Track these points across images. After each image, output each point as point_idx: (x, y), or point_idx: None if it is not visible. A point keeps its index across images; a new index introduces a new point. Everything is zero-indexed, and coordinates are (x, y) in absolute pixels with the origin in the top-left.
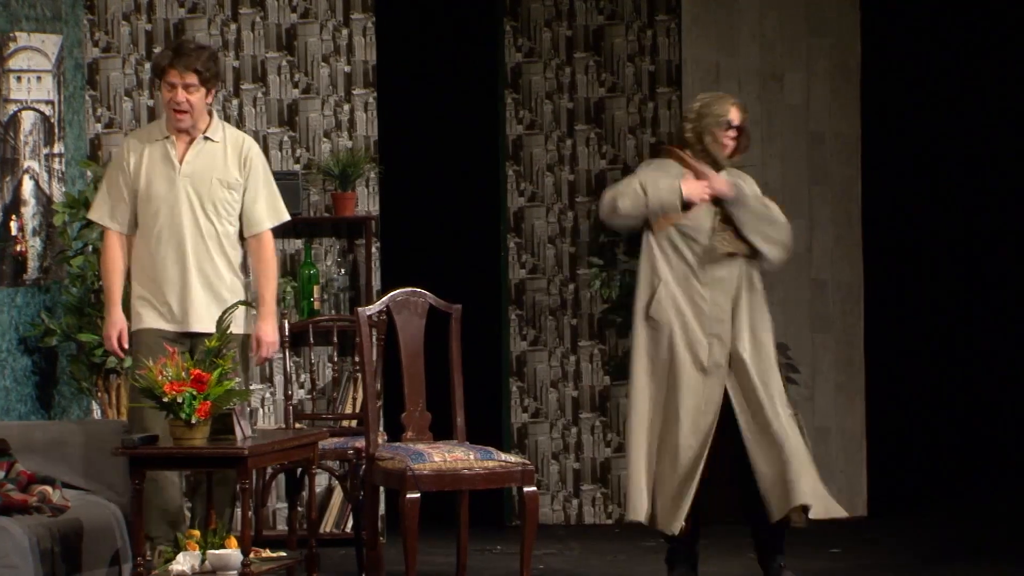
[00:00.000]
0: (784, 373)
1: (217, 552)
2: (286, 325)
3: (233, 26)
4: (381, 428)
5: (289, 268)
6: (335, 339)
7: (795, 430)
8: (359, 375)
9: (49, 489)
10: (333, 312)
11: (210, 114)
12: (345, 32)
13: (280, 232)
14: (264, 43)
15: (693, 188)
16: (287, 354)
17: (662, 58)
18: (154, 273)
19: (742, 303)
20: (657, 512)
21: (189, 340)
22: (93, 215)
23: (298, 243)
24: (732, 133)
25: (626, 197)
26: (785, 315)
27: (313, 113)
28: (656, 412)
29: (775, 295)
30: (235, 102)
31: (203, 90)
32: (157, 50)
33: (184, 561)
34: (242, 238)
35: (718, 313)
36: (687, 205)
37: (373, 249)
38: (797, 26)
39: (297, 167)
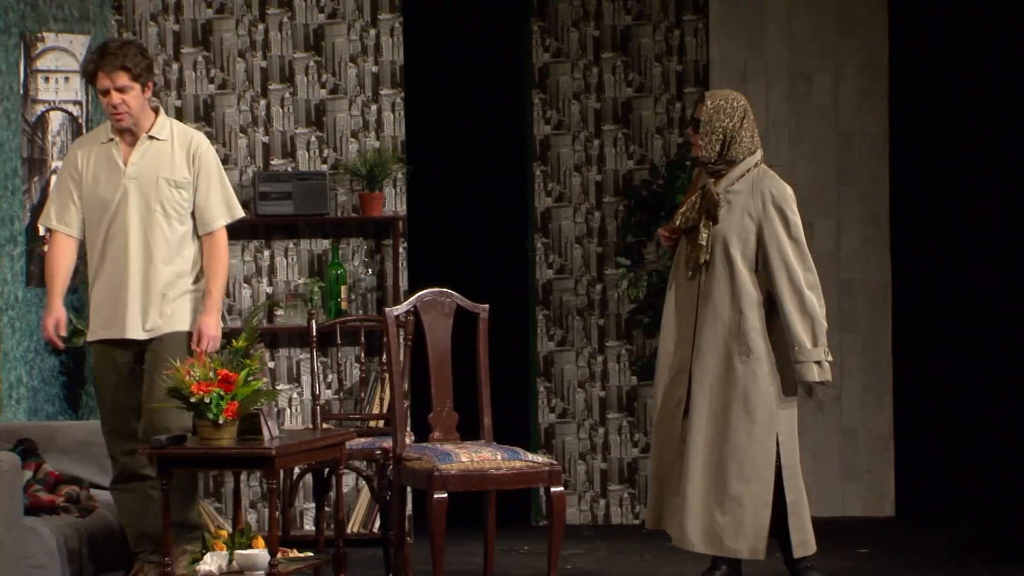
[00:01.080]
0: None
1: (244, 552)
2: (314, 325)
3: (261, 26)
4: (408, 428)
5: (316, 268)
6: (363, 339)
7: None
8: (386, 375)
9: (76, 489)
10: (360, 312)
11: (156, 111)
12: (373, 32)
13: (308, 232)
14: (292, 43)
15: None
16: (315, 354)
17: (690, 58)
18: (102, 279)
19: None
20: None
21: (138, 346)
22: (42, 220)
23: (325, 243)
24: (692, 129)
25: None
26: None
27: (341, 113)
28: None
29: None
30: (263, 102)
31: (137, 87)
32: (185, 51)
33: (212, 561)
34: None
35: (687, 317)
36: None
37: (400, 249)
38: (825, 26)
39: (324, 167)
